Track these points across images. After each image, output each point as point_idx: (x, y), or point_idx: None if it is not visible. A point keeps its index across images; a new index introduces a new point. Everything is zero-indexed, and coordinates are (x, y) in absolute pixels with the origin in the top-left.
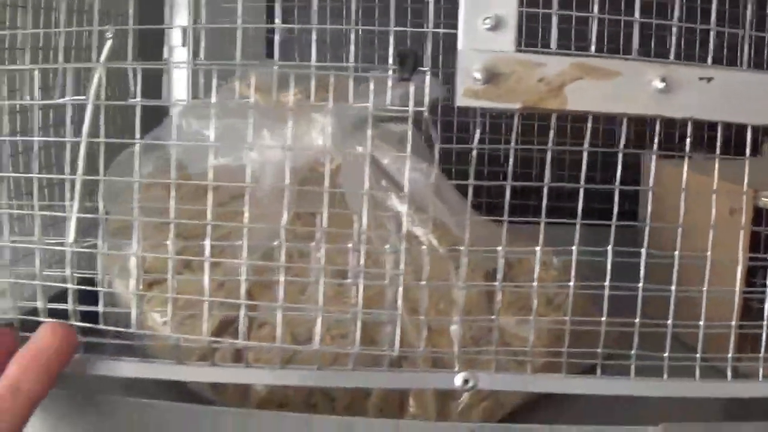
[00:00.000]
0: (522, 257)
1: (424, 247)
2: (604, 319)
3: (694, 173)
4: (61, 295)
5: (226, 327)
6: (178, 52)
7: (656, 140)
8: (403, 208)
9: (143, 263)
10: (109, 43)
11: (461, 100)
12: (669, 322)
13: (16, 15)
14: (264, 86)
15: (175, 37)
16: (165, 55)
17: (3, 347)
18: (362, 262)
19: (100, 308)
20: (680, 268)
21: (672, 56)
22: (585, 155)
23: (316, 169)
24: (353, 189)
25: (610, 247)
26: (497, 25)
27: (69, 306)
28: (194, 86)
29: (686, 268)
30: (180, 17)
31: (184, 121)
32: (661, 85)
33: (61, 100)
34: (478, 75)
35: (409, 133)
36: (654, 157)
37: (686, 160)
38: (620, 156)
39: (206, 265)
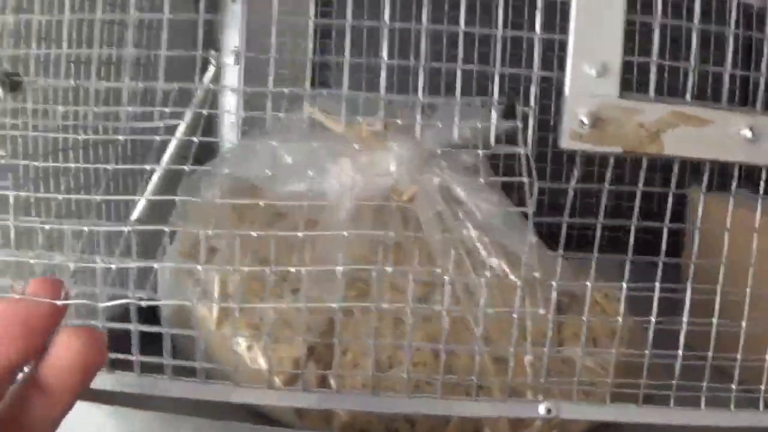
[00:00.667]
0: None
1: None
2: (680, 353)
3: (742, 209)
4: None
5: (311, 352)
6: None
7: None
8: (478, 237)
9: (224, 288)
10: (212, 69)
11: (566, 143)
12: (738, 356)
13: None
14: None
15: (226, 56)
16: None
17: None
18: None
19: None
20: (728, 304)
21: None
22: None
23: (390, 197)
24: (429, 217)
25: (689, 283)
26: (603, 72)
27: (162, 331)
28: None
29: (730, 305)
30: (231, 37)
31: (262, 142)
32: (749, 133)
33: (162, 121)
34: (585, 119)
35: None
36: (702, 197)
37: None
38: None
39: (302, 285)
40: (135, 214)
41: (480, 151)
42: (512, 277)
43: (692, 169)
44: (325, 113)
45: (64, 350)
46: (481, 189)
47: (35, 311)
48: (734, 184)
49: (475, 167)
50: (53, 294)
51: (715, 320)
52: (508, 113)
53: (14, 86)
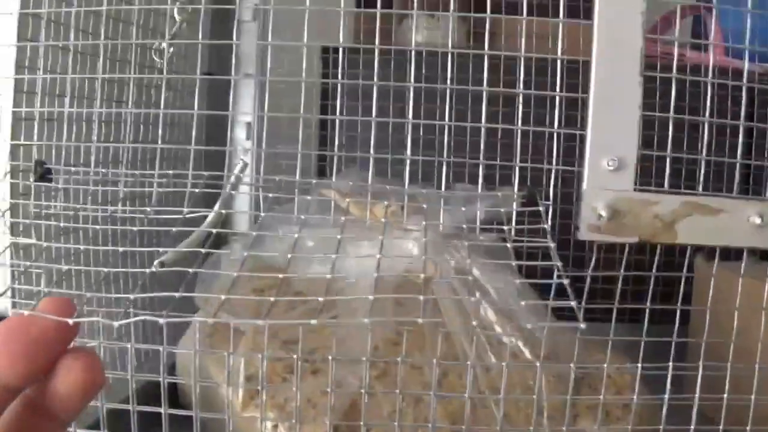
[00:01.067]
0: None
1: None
2: (692, 427)
3: (747, 278)
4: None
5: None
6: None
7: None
8: (493, 317)
9: (248, 369)
10: (242, 163)
11: (585, 235)
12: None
13: None
14: (353, 195)
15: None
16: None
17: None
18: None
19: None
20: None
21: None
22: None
23: (408, 278)
24: (446, 296)
25: (701, 363)
26: (619, 166)
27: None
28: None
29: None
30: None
31: (284, 227)
32: (758, 220)
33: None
34: (603, 213)
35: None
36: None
37: None
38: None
39: (331, 368)
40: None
41: (506, 227)
42: (528, 355)
43: None
44: (344, 195)
45: (64, 374)
46: (495, 269)
47: (42, 329)
48: (743, 265)
49: (490, 248)
50: (63, 313)
51: (725, 396)
52: (530, 202)
53: (45, 174)
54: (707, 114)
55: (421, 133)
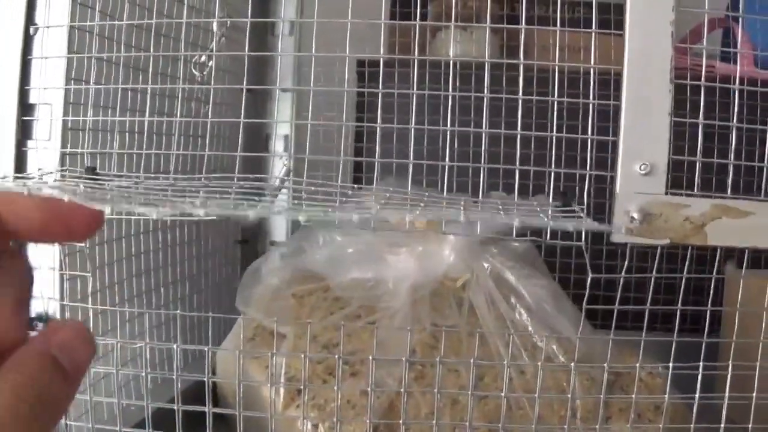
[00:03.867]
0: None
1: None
2: (722, 425)
3: None
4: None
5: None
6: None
7: None
8: (528, 321)
9: (289, 372)
10: (284, 167)
11: (619, 237)
12: None
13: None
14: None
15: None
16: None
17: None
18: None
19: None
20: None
21: None
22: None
23: (445, 284)
24: (481, 301)
25: (730, 362)
26: (651, 171)
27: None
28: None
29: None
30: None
31: (324, 234)
32: None
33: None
34: (635, 215)
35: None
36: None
37: None
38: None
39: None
40: None
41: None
42: (562, 359)
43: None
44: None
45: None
46: (530, 274)
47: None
48: None
49: (524, 254)
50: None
51: (754, 395)
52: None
53: (95, 180)
54: (735, 119)
55: (456, 146)
